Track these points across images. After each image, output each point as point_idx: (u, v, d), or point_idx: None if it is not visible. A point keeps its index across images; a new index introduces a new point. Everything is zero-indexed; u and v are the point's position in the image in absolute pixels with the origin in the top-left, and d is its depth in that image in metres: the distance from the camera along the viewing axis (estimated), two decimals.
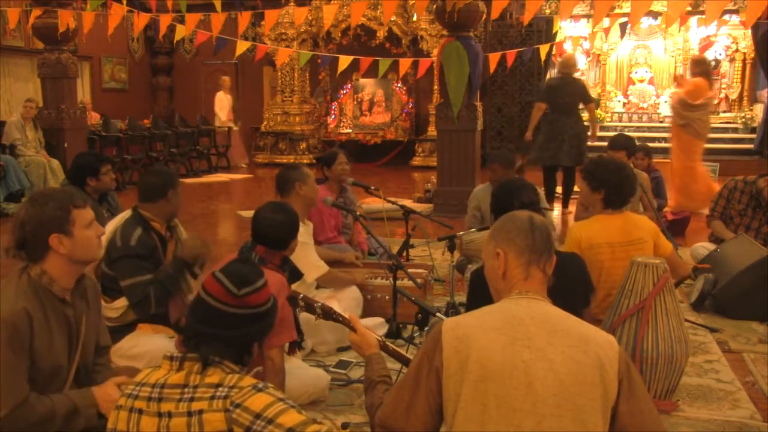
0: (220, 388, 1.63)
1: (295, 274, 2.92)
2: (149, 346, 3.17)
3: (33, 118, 8.70)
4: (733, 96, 12.78)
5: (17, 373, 2.00)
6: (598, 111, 13.27)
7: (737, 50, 12.69)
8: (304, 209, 3.81)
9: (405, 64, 8.16)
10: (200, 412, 1.61)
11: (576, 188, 8.12)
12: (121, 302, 3.24)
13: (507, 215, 1.89)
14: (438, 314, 2.90)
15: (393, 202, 5.54)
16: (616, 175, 3.40)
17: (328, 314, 2.30)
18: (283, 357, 2.70)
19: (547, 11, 12.45)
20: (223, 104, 12.97)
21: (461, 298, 3.52)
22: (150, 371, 1.73)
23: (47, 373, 2.10)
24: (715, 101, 12.92)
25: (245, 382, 1.65)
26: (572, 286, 2.77)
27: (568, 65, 8.06)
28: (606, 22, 9.44)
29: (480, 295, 1.98)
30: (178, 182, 3.43)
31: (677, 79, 7.55)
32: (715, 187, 7.32)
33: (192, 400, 1.62)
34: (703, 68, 7.71)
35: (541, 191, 5.16)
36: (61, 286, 2.15)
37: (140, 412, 1.66)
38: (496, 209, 2.95)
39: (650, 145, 7.24)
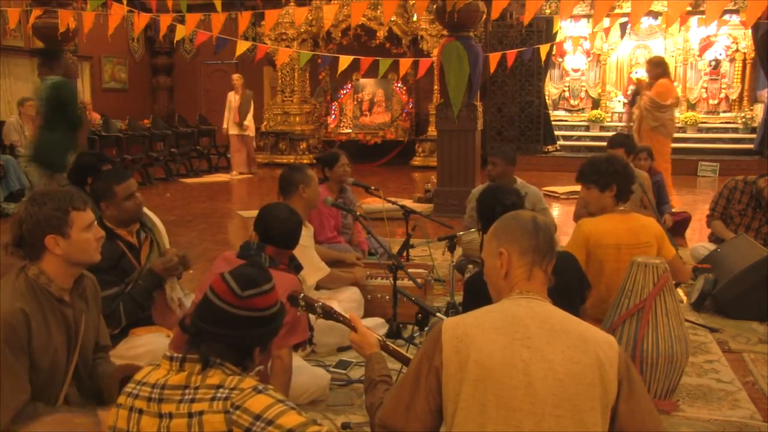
0: (221, 390, 1.63)
1: (297, 270, 2.95)
2: (149, 345, 3.13)
3: (32, 118, 8.69)
4: (733, 96, 12.79)
5: (18, 373, 2.00)
6: (599, 111, 13.31)
7: (737, 50, 12.70)
8: (305, 211, 3.81)
9: (405, 64, 8.16)
10: (201, 413, 1.61)
11: (578, 188, 8.16)
12: None
13: (510, 214, 1.88)
14: (438, 314, 2.90)
15: (393, 202, 5.54)
16: (621, 167, 3.43)
17: (329, 314, 2.30)
18: (292, 356, 2.71)
19: (547, 11, 12.46)
20: (230, 105, 11.97)
21: (461, 298, 3.53)
22: (150, 370, 1.73)
23: (46, 373, 2.10)
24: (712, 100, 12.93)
25: (246, 384, 1.65)
26: (570, 285, 2.78)
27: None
28: (606, 22, 9.45)
29: (476, 301, 1.97)
30: (112, 192, 3.12)
31: (640, 84, 7.75)
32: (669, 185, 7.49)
33: (193, 401, 1.63)
34: (663, 68, 7.84)
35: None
36: (59, 286, 2.15)
37: (140, 412, 1.66)
38: (482, 216, 2.97)
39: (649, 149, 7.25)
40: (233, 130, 11.93)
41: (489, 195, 3.02)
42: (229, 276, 1.77)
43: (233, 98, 11.92)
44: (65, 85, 5.66)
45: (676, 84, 12.99)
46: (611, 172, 3.39)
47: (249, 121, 11.87)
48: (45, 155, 5.49)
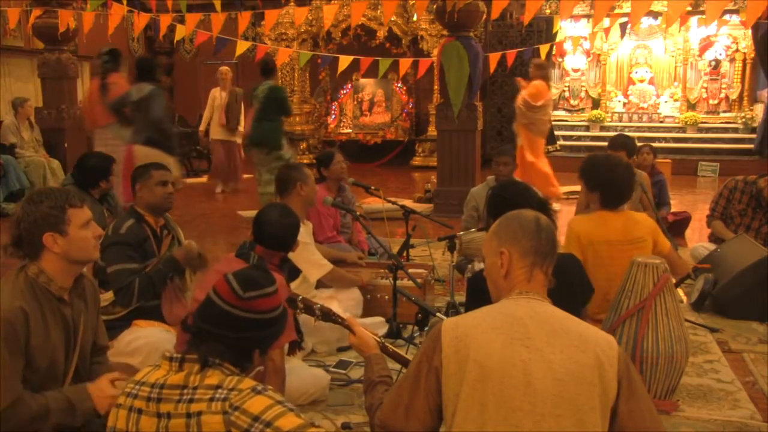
0: (220, 390, 1.63)
1: (292, 273, 2.93)
2: (148, 338, 3.17)
3: (29, 119, 8.67)
4: (733, 96, 12.78)
5: (12, 372, 2.00)
6: (599, 111, 13.31)
7: (737, 50, 12.69)
8: (304, 210, 3.82)
9: (405, 64, 8.15)
10: (199, 413, 1.61)
11: (578, 188, 8.22)
12: (110, 294, 3.25)
13: (512, 213, 1.87)
14: (438, 314, 2.90)
15: (393, 202, 5.54)
16: (610, 174, 3.38)
17: (327, 315, 2.30)
18: (284, 357, 2.70)
19: (547, 11, 12.45)
20: (214, 103, 9.82)
21: (461, 298, 3.53)
22: (150, 370, 1.73)
23: (44, 371, 2.10)
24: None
25: (244, 385, 1.65)
26: (570, 287, 2.77)
27: None
28: (606, 22, 9.44)
29: (479, 299, 1.97)
30: (149, 174, 3.36)
31: (520, 83, 8.06)
32: (550, 176, 8.08)
33: (191, 401, 1.62)
34: (542, 72, 8.14)
35: None
36: (59, 284, 2.15)
37: (140, 411, 1.66)
38: (504, 211, 2.87)
39: (651, 144, 7.28)
40: (217, 135, 9.83)
41: (513, 192, 2.87)
42: (231, 277, 1.77)
43: (218, 96, 9.77)
44: (279, 88, 7.48)
45: (676, 84, 13.02)
46: (596, 179, 3.42)
47: (242, 126, 9.61)
48: (264, 139, 7.12)
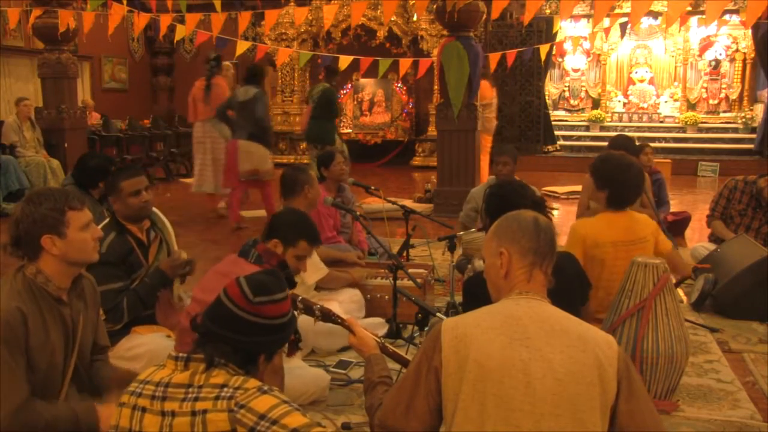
0: (225, 389, 1.63)
1: (288, 282, 2.90)
2: (149, 345, 3.14)
3: (30, 118, 8.68)
4: (733, 96, 12.79)
5: (15, 373, 2.00)
6: (599, 111, 13.31)
7: (737, 50, 12.71)
8: (308, 212, 3.81)
9: (405, 64, 8.16)
10: (204, 411, 1.61)
11: (578, 188, 8.22)
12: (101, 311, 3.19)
13: (512, 214, 1.87)
14: (438, 314, 2.90)
15: (393, 202, 5.55)
16: (622, 175, 3.37)
17: (327, 316, 2.30)
18: (282, 357, 2.70)
19: (547, 11, 12.46)
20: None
21: (461, 298, 3.52)
22: (154, 369, 1.73)
23: (43, 372, 2.10)
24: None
25: (250, 384, 1.65)
26: (569, 286, 2.77)
27: None
28: (606, 22, 9.45)
29: (476, 302, 1.97)
30: (119, 187, 3.17)
31: None
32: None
33: (196, 399, 1.63)
34: (484, 71, 8.28)
35: None
36: (57, 285, 2.14)
37: (143, 410, 1.66)
38: (500, 210, 2.87)
39: (651, 145, 7.29)
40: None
41: (509, 190, 2.88)
42: (243, 280, 1.78)
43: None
44: (332, 90, 7.94)
45: (676, 84, 13.03)
46: (607, 177, 3.39)
47: None
48: (318, 136, 7.75)
